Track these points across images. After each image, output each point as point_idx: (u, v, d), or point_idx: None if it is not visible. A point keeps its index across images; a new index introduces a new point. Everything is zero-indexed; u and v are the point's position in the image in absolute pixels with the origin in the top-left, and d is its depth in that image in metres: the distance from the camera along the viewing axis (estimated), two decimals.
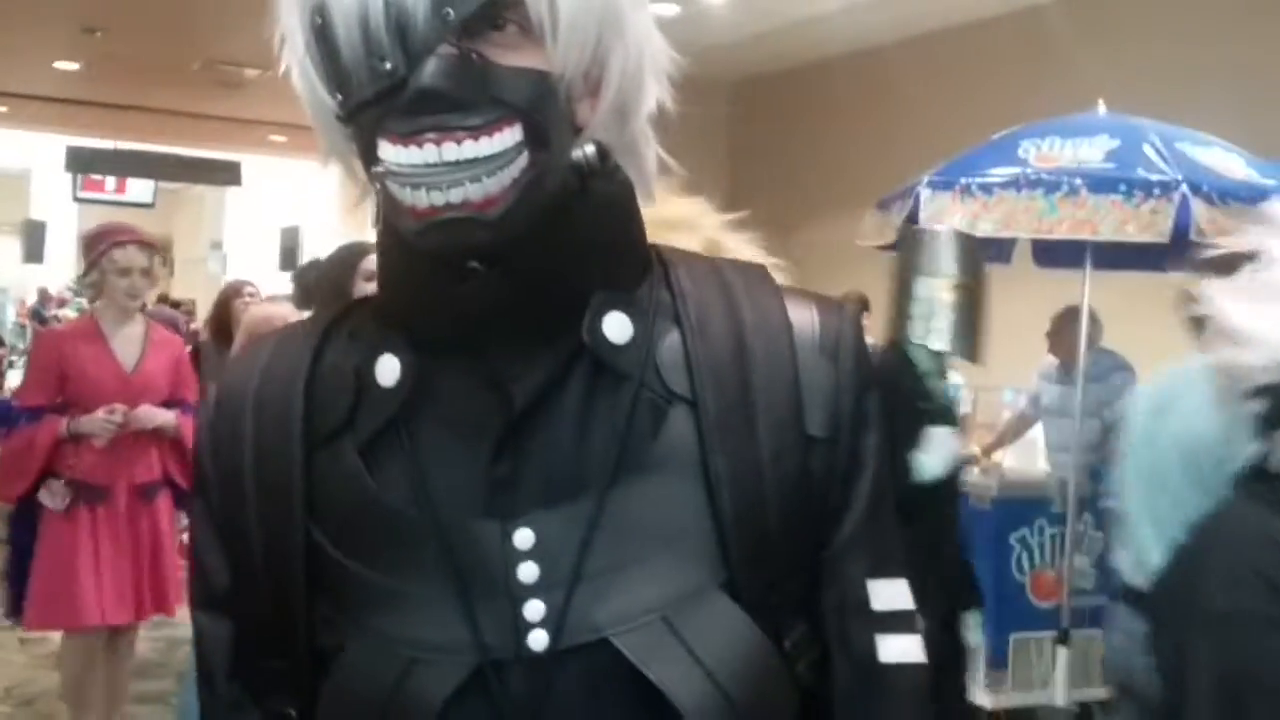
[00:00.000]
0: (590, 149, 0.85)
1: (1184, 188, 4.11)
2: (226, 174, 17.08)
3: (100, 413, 3.99)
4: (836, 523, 0.90)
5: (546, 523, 0.84)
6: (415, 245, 0.83)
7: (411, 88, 0.78)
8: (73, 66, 11.92)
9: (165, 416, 4.13)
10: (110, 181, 17.92)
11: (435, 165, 0.79)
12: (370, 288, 2.93)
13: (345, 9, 0.80)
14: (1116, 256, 4.70)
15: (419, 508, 0.85)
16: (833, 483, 0.89)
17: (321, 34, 0.82)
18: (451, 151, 0.79)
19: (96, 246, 4.10)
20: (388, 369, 0.88)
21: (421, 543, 0.85)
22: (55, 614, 4.11)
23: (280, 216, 19.72)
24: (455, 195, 0.79)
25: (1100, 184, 4.18)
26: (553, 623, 0.82)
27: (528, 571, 0.83)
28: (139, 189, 18.76)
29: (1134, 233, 4.11)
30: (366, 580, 0.86)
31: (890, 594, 0.91)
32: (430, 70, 0.78)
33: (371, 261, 3.06)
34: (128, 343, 4.15)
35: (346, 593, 0.86)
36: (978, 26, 8.77)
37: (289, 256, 18.73)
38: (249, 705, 0.93)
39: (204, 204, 22.11)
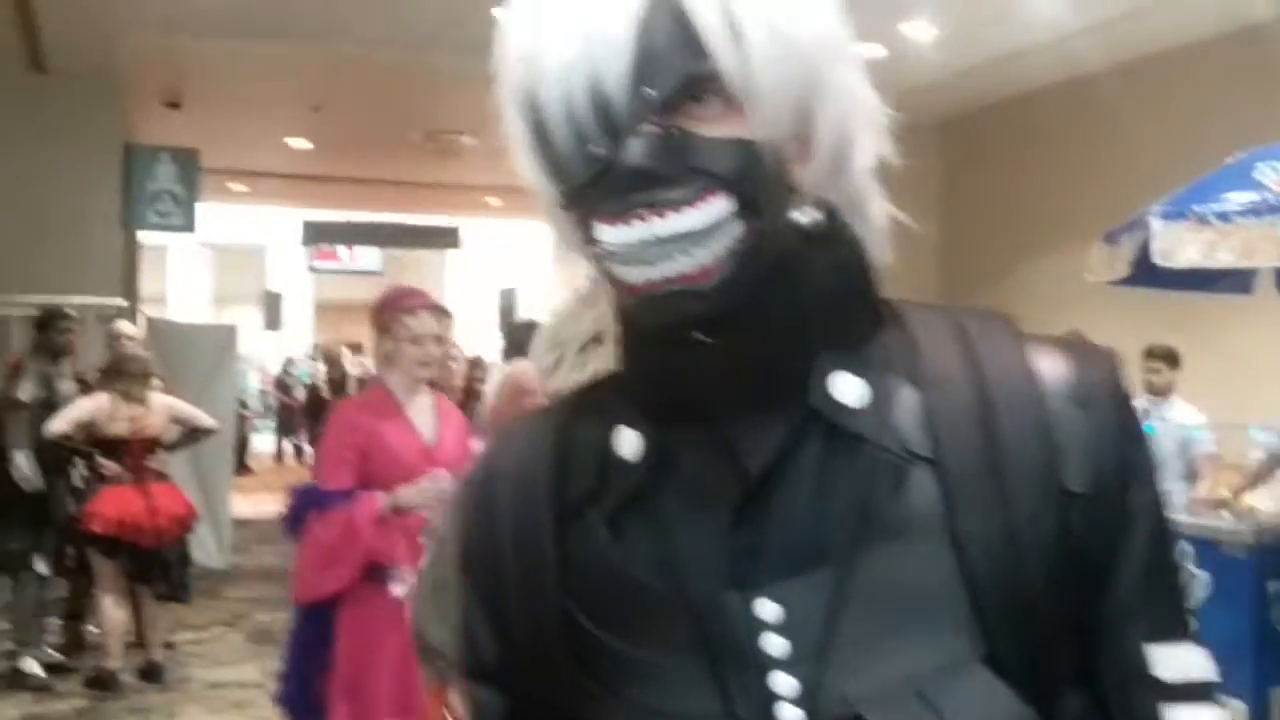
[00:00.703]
0: (812, 210, 0.84)
1: None
2: (446, 238, 17.76)
3: (425, 481, 3.50)
4: (1108, 585, 0.84)
5: (791, 592, 0.82)
6: (637, 321, 0.85)
7: (618, 168, 0.80)
8: (304, 144, 12.61)
9: None
10: (341, 251, 18.85)
11: (647, 242, 0.80)
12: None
13: (551, 98, 0.81)
14: None
15: (666, 580, 0.85)
16: (1098, 541, 0.83)
17: (536, 125, 0.84)
18: (660, 226, 0.79)
19: (386, 313, 3.70)
20: (628, 441, 0.89)
21: (670, 615, 0.85)
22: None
23: (497, 278, 20.37)
24: (669, 269, 0.80)
25: (1256, 208, 3.93)
26: (805, 697, 0.80)
27: (774, 644, 0.82)
28: (368, 257, 19.69)
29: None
30: (620, 653, 0.86)
31: (1179, 661, 0.84)
32: (633, 149, 0.79)
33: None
34: (422, 414, 3.75)
35: (603, 665, 0.87)
36: (1194, 48, 8.40)
37: (507, 315, 19.31)
38: None
39: (427, 268, 23.01)
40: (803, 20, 0.83)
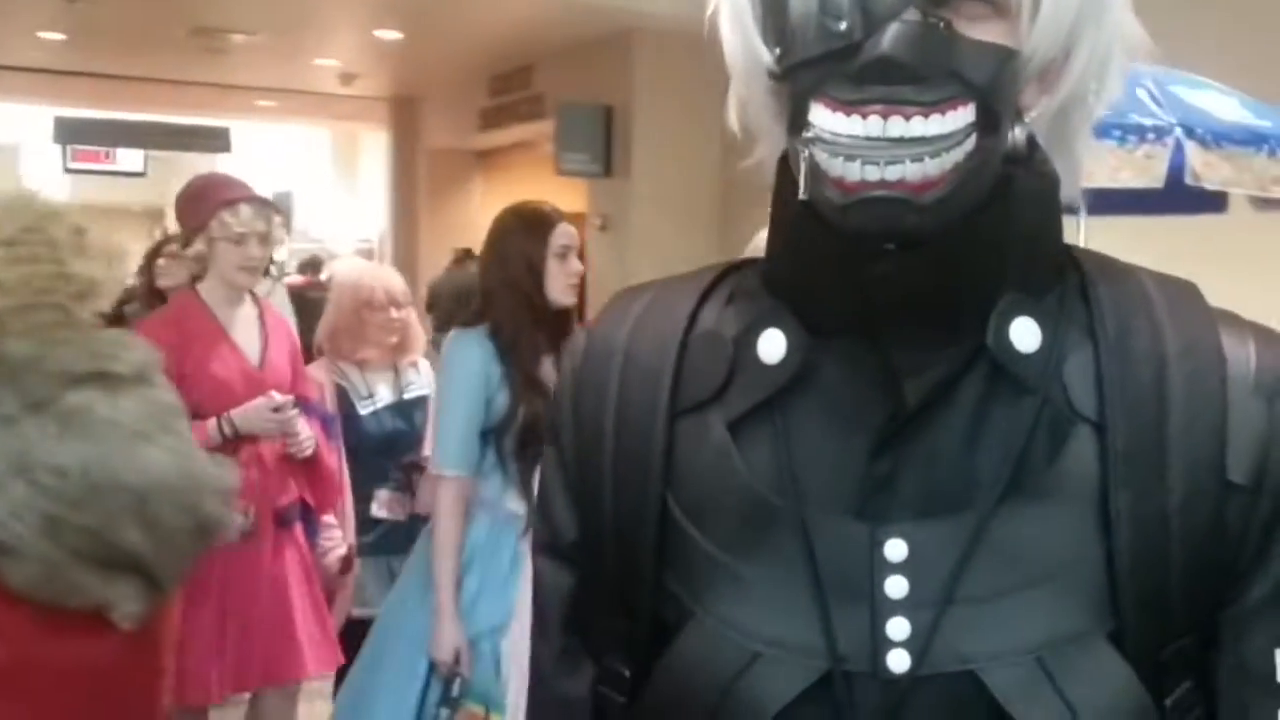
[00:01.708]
0: (1020, 135, 0.78)
1: (1178, 131, 4.08)
2: (216, 140, 16.96)
3: (260, 401, 2.99)
4: (1246, 582, 0.80)
5: (922, 535, 0.77)
6: (833, 220, 0.76)
7: (867, 53, 0.72)
8: (58, 36, 11.81)
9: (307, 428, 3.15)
10: (102, 152, 17.81)
11: (877, 140, 0.73)
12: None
13: None
14: (1113, 201, 4.67)
15: (785, 496, 0.80)
16: (1249, 537, 0.79)
17: None
18: (897, 126, 0.72)
19: (198, 207, 3.12)
20: (772, 345, 0.83)
21: (782, 533, 0.79)
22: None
23: (272, 181, 19.65)
24: (892, 173, 0.73)
25: (1095, 131, 4.14)
26: (917, 644, 0.76)
27: (895, 585, 0.77)
28: (130, 158, 18.65)
29: (1129, 179, 4.09)
30: (718, 561, 0.81)
31: None
32: (892, 36, 0.71)
33: (563, 235, 3.02)
34: (245, 330, 3.14)
35: (695, 570, 0.82)
36: None
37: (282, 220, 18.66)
38: (583, 658, 0.91)
39: (195, 171, 21.98)
40: None
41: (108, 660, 2.01)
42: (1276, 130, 4.29)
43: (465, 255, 11.78)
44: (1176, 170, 4.05)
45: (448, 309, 11.22)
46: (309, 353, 3.71)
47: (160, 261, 4.93)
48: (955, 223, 0.75)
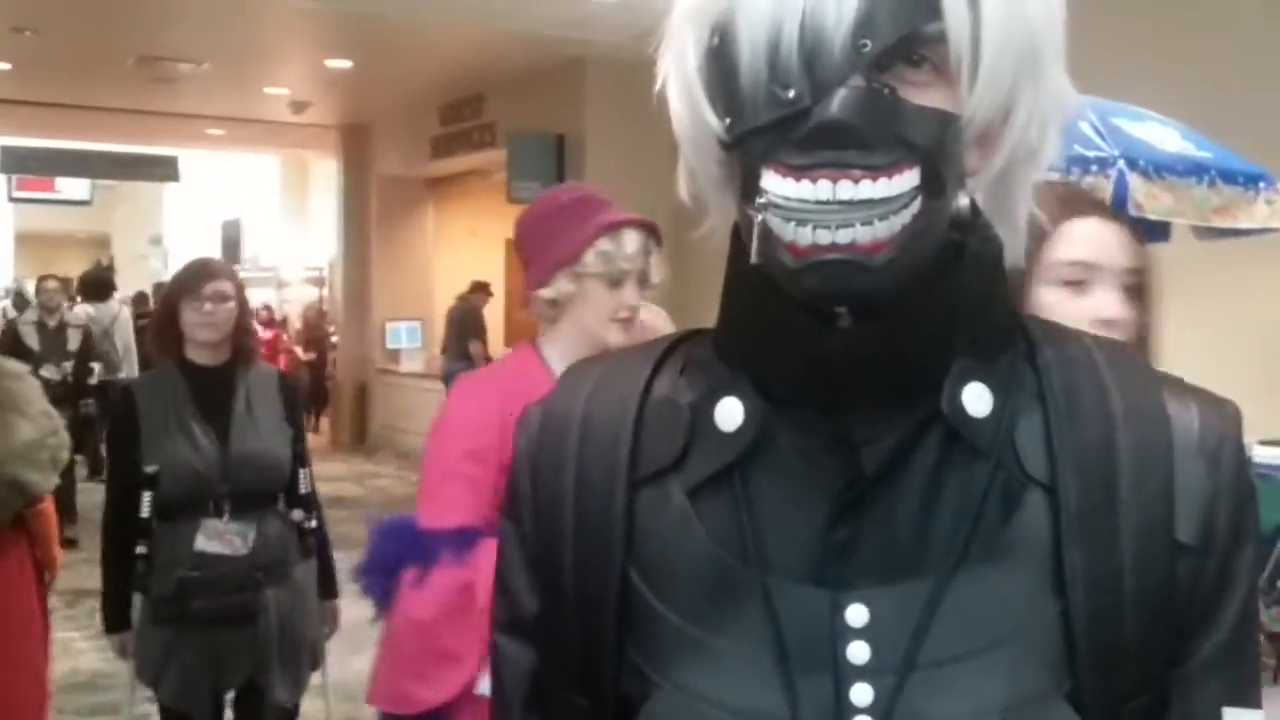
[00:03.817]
0: (965, 202, 0.79)
1: (1121, 163, 4.15)
2: (164, 169, 16.85)
3: None
4: (1198, 641, 0.81)
5: (882, 600, 0.78)
6: (786, 284, 0.77)
7: (815, 119, 0.73)
8: (3, 65, 11.69)
9: None
10: (48, 181, 17.65)
11: (827, 203, 0.74)
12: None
13: (754, 31, 0.75)
14: None
15: (747, 563, 0.80)
16: (1197, 597, 0.80)
17: (718, 53, 0.77)
18: (846, 190, 0.73)
19: (571, 232, 2.24)
20: (729, 413, 0.83)
21: (745, 601, 0.80)
22: None
23: (220, 210, 19.51)
24: (843, 236, 0.74)
25: None
26: (880, 711, 0.76)
27: (857, 651, 0.77)
28: (75, 187, 18.48)
29: None
30: (680, 631, 0.81)
31: None
32: (840, 102, 0.73)
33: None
34: None
35: (657, 640, 0.82)
36: None
37: (231, 249, 18.54)
38: None
39: (142, 200, 21.81)
40: None
41: None
42: (1217, 161, 4.38)
43: (478, 288, 11.95)
44: (1120, 201, 4.12)
45: (448, 336, 11.68)
46: None
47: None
48: (905, 286, 0.77)
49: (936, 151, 0.76)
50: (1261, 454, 5.40)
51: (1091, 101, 4.55)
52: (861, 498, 0.80)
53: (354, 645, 3.38)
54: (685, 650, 0.81)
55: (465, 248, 14.12)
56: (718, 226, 0.87)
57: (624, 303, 2.22)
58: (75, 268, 13.96)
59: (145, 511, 3.20)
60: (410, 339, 13.76)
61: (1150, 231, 4.87)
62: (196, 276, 3.33)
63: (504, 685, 0.93)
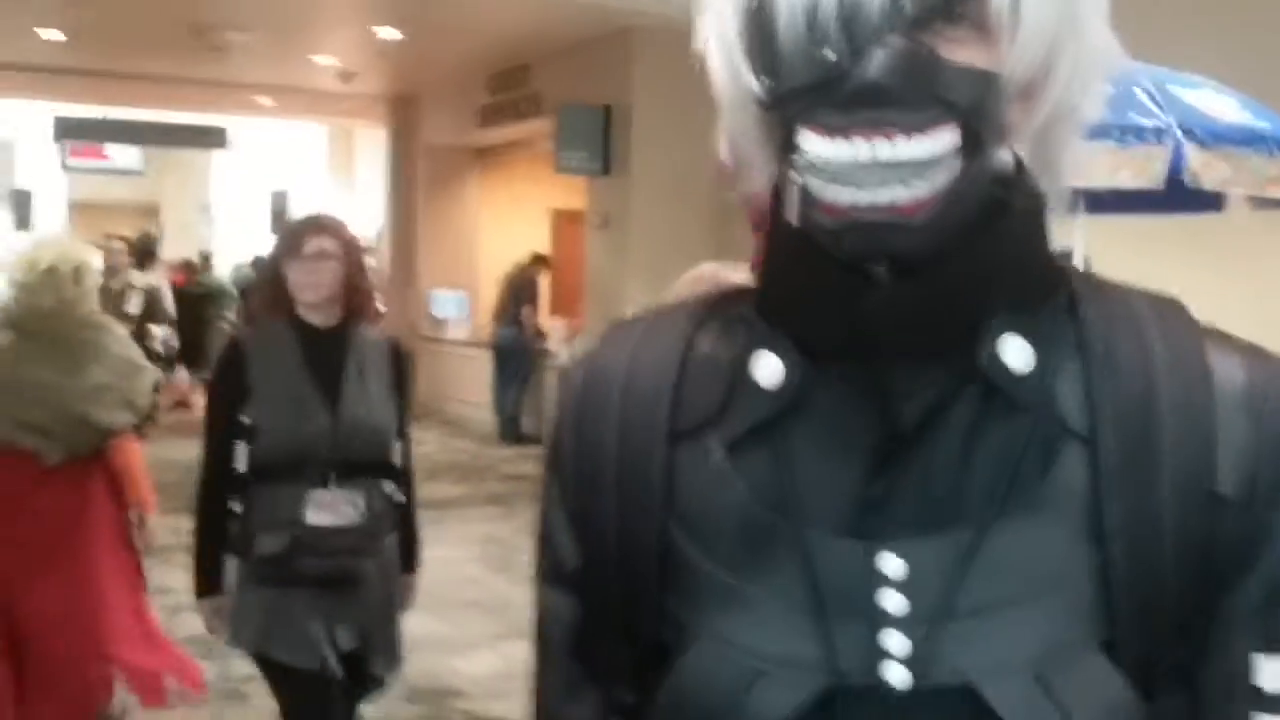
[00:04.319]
0: (1008, 157, 0.79)
1: (1177, 132, 4.09)
2: (213, 138, 16.99)
3: None
4: (1234, 592, 0.81)
5: (917, 552, 0.79)
6: (826, 244, 0.77)
7: (853, 79, 0.73)
8: (57, 35, 11.81)
9: None
10: (101, 148, 17.84)
11: (865, 163, 0.74)
12: None
13: None
14: (1111, 201, 4.68)
15: (784, 515, 0.82)
16: (1236, 550, 0.80)
17: (757, 14, 0.77)
18: (884, 149, 0.73)
19: None
20: (768, 368, 0.84)
21: (782, 552, 0.81)
22: None
23: (269, 180, 19.65)
24: (881, 196, 0.74)
25: (1094, 131, 4.12)
26: (915, 660, 0.77)
27: (893, 601, 0.78)
28: (127, 156, 18.67)
29: (1128, 179, 4.09)
30: (718, 582, 0.83)
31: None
32: (877, 62, 0.73)
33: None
34: None
35: (696, 592, 0.84)
36: None
37: (279, 219, 18.68)
38: (589, 687, 0.91)
39: (192, 169, 21.99)
40: None
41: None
42: (1274, 131, 4.30)
43: (537, 260, 12.01)
44: (1175, 170, 4.06)
45: (503, 303, 11.77)
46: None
47: None
48: (947, 244, 0.76)
49: (976, 110, 0.76)
50: None
51: (1147, 69, 4.48)
52: (899, 451, 0.80)
53: (455, 648, 3.35)
54: (723, 601, 0.82)
55: (511, 217, 14.14)
56: (759, 187, 0.87)
57: None
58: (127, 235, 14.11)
59: (243, 466, 3.04)
60: (456, 308, 13.82)
61: (1204, 201, 4.80)
62: (298, 233, 3.14)
63: (548, 635, 0.94)
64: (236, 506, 3.04)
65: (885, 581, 0.79)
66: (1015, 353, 0.80)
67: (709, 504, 0.84)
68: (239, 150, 18.55)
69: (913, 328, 0.79)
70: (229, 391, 3.07)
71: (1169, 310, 0.85)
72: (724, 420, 0.85)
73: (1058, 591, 0.78)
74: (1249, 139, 4.21)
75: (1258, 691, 0.81)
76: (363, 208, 16.35)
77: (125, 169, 19.13)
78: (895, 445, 0.80)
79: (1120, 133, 4.12)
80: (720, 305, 0.92)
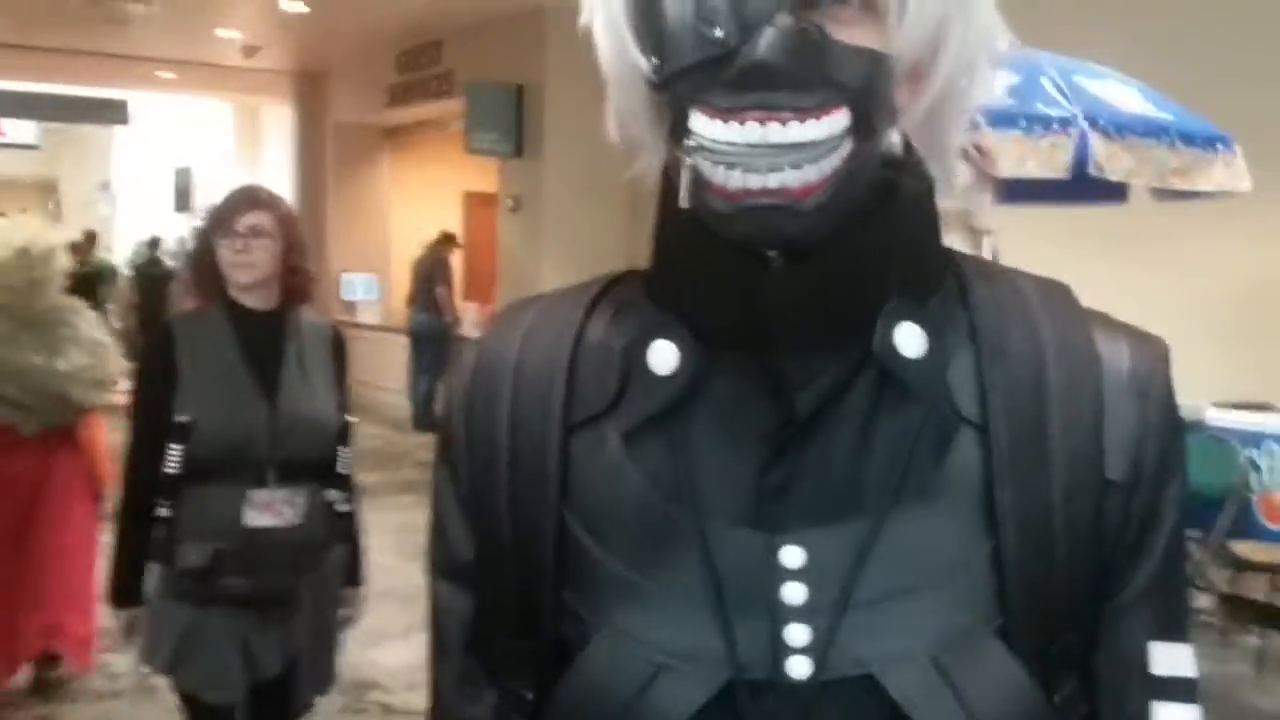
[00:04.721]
0: (896, 139, 0.79)
1: (1082, 122, 4.15)
2: (113, 113, 16.59)
3: None
4: (1125, 576, 0.83)
5: (817, 542, 0.78)
6: (717, 228, 0.76)
7: (742, 59, 0.72)
8: None
9: None
10: None
11: (756, 146, 0.73)
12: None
13: None
14: (1017, 191, 4.75)
15: (683, 506, 0.80)
16: (1126, 532, 0.82)
17: None
18: (776, 133, 0.72)
19: None
20: (663, 355, 0.82)
21: (681, 544, 0.80)
22: None
23: (172, 157, 19.22)
24: (773, 180, 0.73)
25: (1001, 120, 4.20)
26: (816, 651, 0.77)
27: (793, 592, 0.78)
28: (22, 130, 18.15)
29: (1034, 169, 4.14)
30: (617, 574, 0.81)
31: (1173, 659, 0.83)
32: (766, 42, 0.72)
33: None
34: None
35: (595, 585, 0.82)
36: None
37: (182, 197, 18.29)
38: (483, 681, 0.89)
39: (91, 145, 21.45)
40: None
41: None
42: (1178, 123, 4.39)
43: (445, 239, 11.81)
44: (1081, 161, 4.12)
45: (415, 288, 11.52)
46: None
47: None
48: (838, 229, 0.76)
49: (866, 91, 0.75)
50: (1215, 417, 5.47)
51: (1053, 59, 4.54)
52: (796, 440, 0.80)
53: (370, 639, 3.14)
54: (622, 593, 0.81)
55: (423, 199, 13.98)
56: (649, 168, 0.86)
57: None
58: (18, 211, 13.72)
59: (173, 467, 2.73)
60: (366, 291, 13.64)
61: (1107, 192, 4.88)
62: (230, 208, 2.85)
63: (443, 630, 0.92)
64: (164, 510, 2.74)
65: (785, 572, 0.78)
66: (908, 339, 0.80)
67: (606, 495, 0.83)
68: (141, 126, 18.11)
69: (806, 313, 0.79)
70: (157, 382, 2.78)
71: (1056, 295, 0.86)
72: (620, 409, 0.84)
73: (954, 579, 0.78)
74: (1152, 130, 4.29)
75: (1153, 679, 0.83)
76: (270, 187, 16.08)
77: (20, 142, 18.59)
78: (791, 434, 0.80)
79: (1028, 122, 4.17)
80: (611, 290, 0.90)
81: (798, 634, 0.78)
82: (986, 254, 4.71)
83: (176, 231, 17.31)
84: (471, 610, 0.90)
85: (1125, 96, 4.46)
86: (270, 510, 2.74)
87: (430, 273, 11.67)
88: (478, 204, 13.40)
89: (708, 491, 0.81)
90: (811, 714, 0.77)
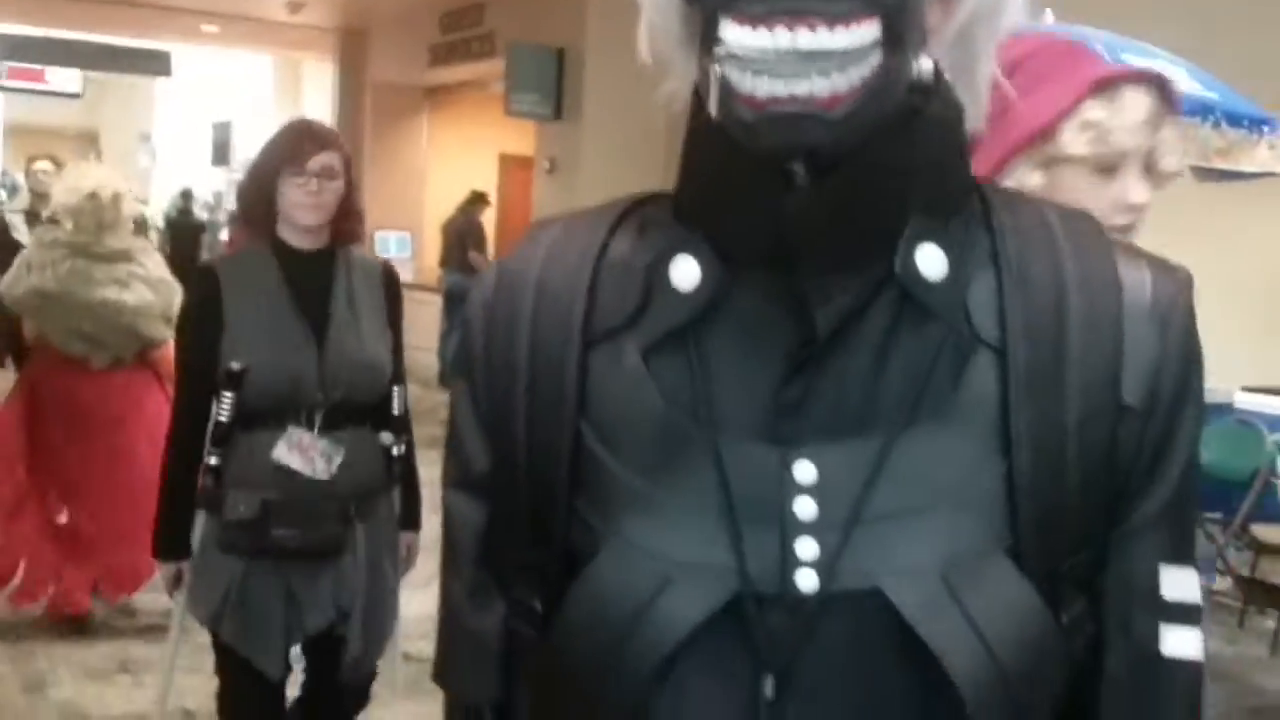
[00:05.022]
0: (926, 64, 0.79)
1: None
2: (156, 63, 16.63)
3: None
4: (1137, 501, 0.83)
5: (829, 457, 0.79)
6: (744, 139, 0.76)
7: None
8: None
9: None
10: (37, 71, 17.41)
11: (786, 52, 0.73)
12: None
13: None
14: None
15: (699, 420, 0.81)
16: (1140, 458, 0.82)
17: None
18: (805, 39, 0.72)
19: (1037, 93, 1.49)
20: (685, 272, 0.83)
21: (695, 457, 0.81)
22: None
23: (211, 111, 19.28)
24: (800, 88, 0.73)
25: None
26: (824, 565, 0.78)
27: (804, 507, 0.79)
28: (66, 79, 18.23)
29: None
30: (630, 486, 0.82)
31: (1181, 583, 0.84)
32: None
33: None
34: None
35: (608, 495, 0.83)
36: None
37: (221, 151, 18.36)
38: (494, 592, 0.91)
39: (133, 96, 21.54)
40: None
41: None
42: (1223, 102, 4.34)
43: (476, 198, 11.81)
44: None
45: (448, 248, 11.51)
46: None
47: None
48: (863, 143, 0.76)
49: (898, 4, 0.75)
50: (1244, 400, 5.43)
51: (1102, 35, 4.48)
52: (814, 357, 0.80)
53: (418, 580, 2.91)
54: (635, 505, 0.82)
55: (460, 160, 13.99)
56: (678, 90, 0.87)
57: (1123, 200, 1.48)
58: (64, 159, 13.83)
59: (224, 415, 2.64)
60: (400, 248, 13.68)
61: None
62: (299, 145, 2.70)
63: (455, 541, 0.94)
64: (214, 459, 2.67)
65: (797, 487, 0.79)
66: (929, 260, 0.80)
67: (623, 408, 0.84)
68: (181, 79, 18.17)
69: (829, 231, 0.79)
70: (204, 327, 2.68)
71: (1082, 223, 0.86)
72: (640, 324, 0.85)
73: (965, 500, 0.79)
74: (1197, 109, 4.24)
75: (1162, 602, 0.84)
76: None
77: (63, 91, 18.68)
78: (810, 351, 0.80)
79: None
80: (636, 209, 0.91)
81: (807, 548, 0.78)
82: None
83: (213, 185, 17.41)
84: (485, 522, 0.92)
85: (1173, 75, 4.40)
86: (303, 454, 2.66)
87: (464, 234, 11.68)
88: (514, 166, 13.39)
89: (724, 406, 0.81)
90: (818, 628, 0.78)
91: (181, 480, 2.73)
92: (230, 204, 15.78)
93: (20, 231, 7.09)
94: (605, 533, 0.82)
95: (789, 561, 0.78)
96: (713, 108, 0.77)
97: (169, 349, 4.38)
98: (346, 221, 2.80)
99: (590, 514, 0.84)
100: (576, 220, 0.92)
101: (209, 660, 2.77)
